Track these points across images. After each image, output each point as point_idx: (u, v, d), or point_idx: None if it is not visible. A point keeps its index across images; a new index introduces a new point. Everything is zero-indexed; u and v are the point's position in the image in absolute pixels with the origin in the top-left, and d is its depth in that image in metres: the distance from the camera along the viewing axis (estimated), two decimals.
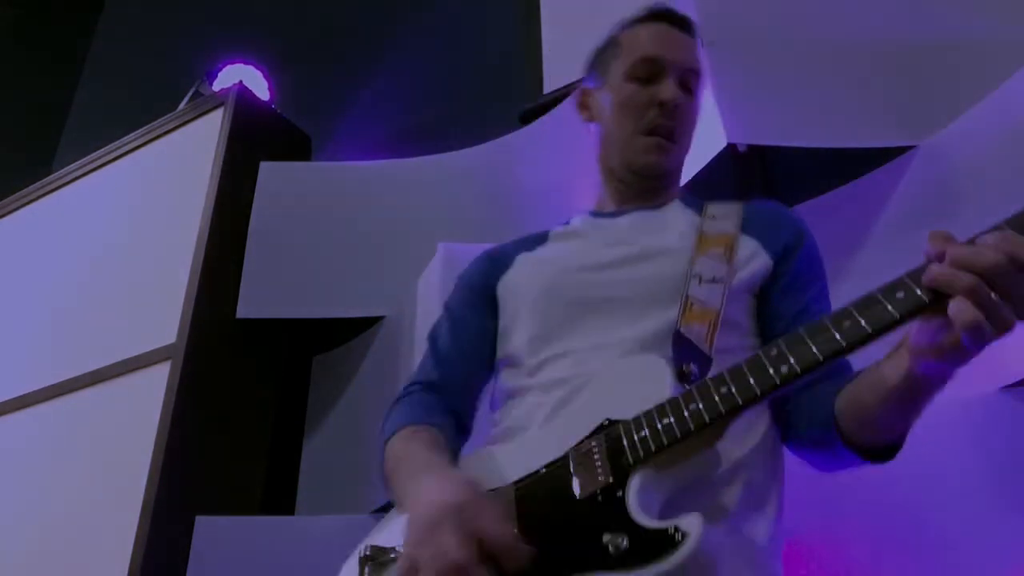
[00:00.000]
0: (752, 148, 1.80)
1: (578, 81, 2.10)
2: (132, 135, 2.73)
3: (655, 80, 1.13)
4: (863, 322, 0.73)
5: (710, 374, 0.87)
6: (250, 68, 2.82)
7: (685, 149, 1.17)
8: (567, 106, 2.10)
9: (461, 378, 1.11)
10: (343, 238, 2.29)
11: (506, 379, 1.07)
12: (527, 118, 2.26)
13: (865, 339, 0.73)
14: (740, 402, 0.77)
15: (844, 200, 1.66)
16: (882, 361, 0.82)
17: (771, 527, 0.92)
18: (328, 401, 2.30)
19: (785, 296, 1.03)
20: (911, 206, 1.56)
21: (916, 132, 1.58)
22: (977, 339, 0.67)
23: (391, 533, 0.93)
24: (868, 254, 1.60)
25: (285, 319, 2.23)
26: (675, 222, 1.10)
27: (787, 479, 1.28)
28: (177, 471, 1.96)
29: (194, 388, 2.07)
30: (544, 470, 0.86)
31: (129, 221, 2.55)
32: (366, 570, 0.91)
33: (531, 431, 0.96)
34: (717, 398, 0.78)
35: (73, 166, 2.85)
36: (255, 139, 2.52)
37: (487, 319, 1.12)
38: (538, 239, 1.18)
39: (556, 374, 0.98)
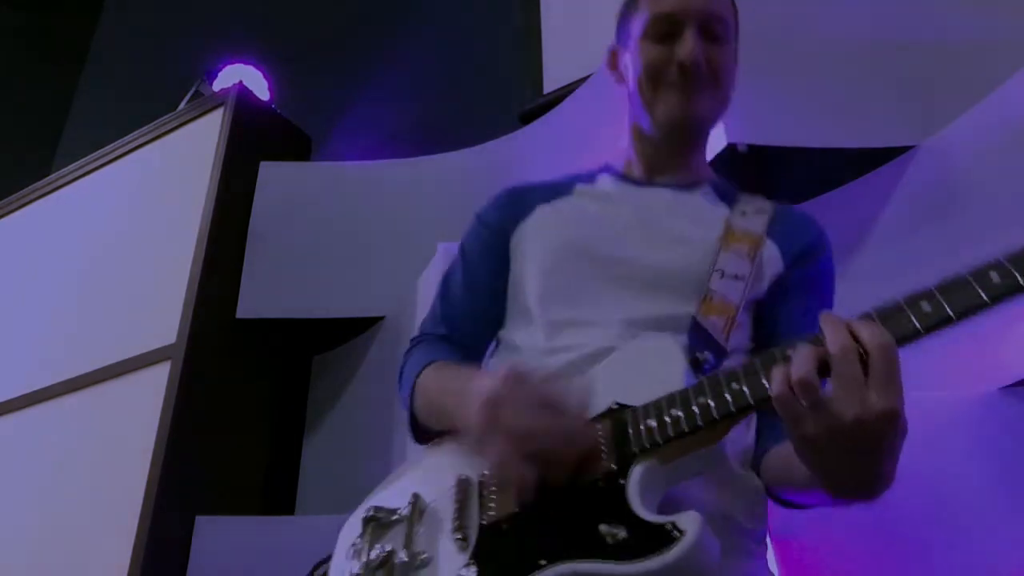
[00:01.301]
0: (752, 148, 1.80)
1: (578, 81, 2.12)
2: (132, 135, 2.73)
3: (674, 36, 1.06)
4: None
5: (723, 366, 0.85)
6: (250, 68, 2.82)
7: (720, 98, 1.10)
8: (567, 106, 2.11)
9: (472, 334, 1.09)
10: (343, 238, 2.29)
11: (514, 333, 1.03)
12: (527, 118, 2.26)
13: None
14: (751, 402, 0.72)
15: (844, 200, 1.66)
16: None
17: (761, 531, 0.91)
18: (328, 401, 2.30)
19: (783, 303, 1.00)
20: (911, 206, 1.56)
21: (916, 132, 1.58)
22: None
23: (393, 493, 0.93)
24: (868, 254, 1.60)
25: (285, 319, 2.23)
26: (704, 212, 1.06)
27: None
28: (177, 471, 1.96)
29: (194, 388, 2.07)
30: None
31: (129, 221, 2.56)
32: (369, 529, 0.89)
33: None
34: (728, 395, 0.73)
35: (73, 166, 2.85)
36: (255, 139, 2.53)
37: (501, 267, 1.08)
38: (561, 189, 1.12)
39: (568, 341, 0.95)
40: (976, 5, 1.68)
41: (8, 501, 2.23)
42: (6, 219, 2.97)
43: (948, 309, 0.66)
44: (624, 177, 1.13)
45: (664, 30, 1.07)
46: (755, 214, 1.04)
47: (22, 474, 2.26)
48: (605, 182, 1.13)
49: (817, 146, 1.62)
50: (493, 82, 2.60)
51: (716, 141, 1.55)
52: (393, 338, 2.13)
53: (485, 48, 2.68)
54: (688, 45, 1.05)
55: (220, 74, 2.81)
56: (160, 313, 2.21)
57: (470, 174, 2.25)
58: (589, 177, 1.14)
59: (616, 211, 1.06)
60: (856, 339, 0.67)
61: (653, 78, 1.07)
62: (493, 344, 1.09)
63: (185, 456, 2.00)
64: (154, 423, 2.02)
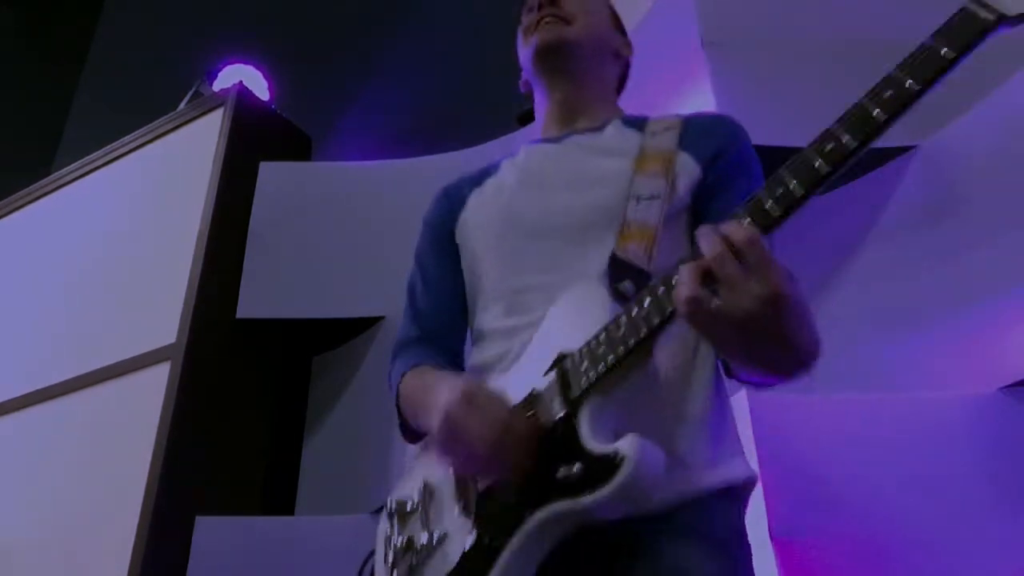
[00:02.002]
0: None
1: None
2: (132, 135, 2.73)
3: None
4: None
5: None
6: (250, 68, 2.82)
7: (584, 28, 1.16)
8: None
9: (443, 332, 1.14)
10: (343, 238, 2.29)
11: (481, 318, 1.08)
12: (527, 118, 2.26)
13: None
14: (658, 323, 0.78)
15: (844, 200, 1.66)
16: None
17: (711, 443, 0.92)
18: (328, 401, 2.30)
19: (712, 202, 1.01)
20: (911, 206, 1.56)
21: (916, 132, 1.58)
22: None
23: (408, 484, 1.01)
24: (868, 254, 1.60)
25: (285, 319, 2.23)
26: (616, 143, 1.08)
27: (783, 476, 1.28)
28: (177, 471, 1.96)
29: (194, 388, 2.08)
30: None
31: (129, 221, 2.56)
32: (395, 522, 0.98)
33: (496, 374, 0.99)
34: (640, 321, 0.80)
35: (73, 166, 2.85)
36: (255, 139, 2.53)
37: (455, 264, 1.13)
38: (488, 171, 1.19)
39: (521, 317, 1.00)
40: None
41: (8, 501, 2.23)
42: (7, 219, 2.97)
43: (798, 189, 0.73)
44: (542, 140, 1.18)
45: (530, 2, 1.18)
46: (665, 131, 1.06)
47: (22, 474, 2.26)
48: (525, 151, 1.18)
49: None
50: (493, 82, 2.60)
51: None
52: (393, 338, 2.13)
53: (485, 48, 2.68)
54: None
55: (220, 74, 2.81)
56: (160, 313, 2.22)
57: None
58: (512, 153, 1.20)
59: (537, 171, 1.11)
60: (728, 241, 0.71)
61: (522, 36, 1.18)
62: (469, 333, 1.13)
63: (185, 456, 2.00)
64: (154, 423, 2.02)
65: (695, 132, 1.06)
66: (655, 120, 1.10)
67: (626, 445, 0.76)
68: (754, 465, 1.30)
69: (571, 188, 1.04)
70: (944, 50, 0.71)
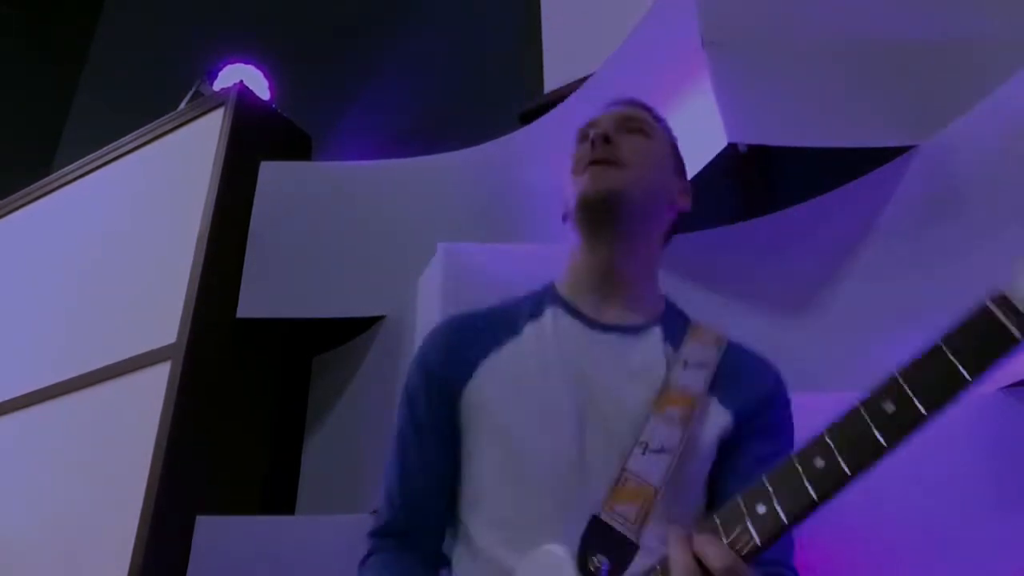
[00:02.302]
0: (752, 148, 1.80)
1: (578, 81, 2.12)
2: (132, 135, 2.73)
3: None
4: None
5: (632, 564, 0.79)
6: (250, 68, 2.82)
7: (638, 179, 1.05)
8: (567, 106, 2.11)
9: (432, 514, 1.01)
10: (343, 238, 2.29)
11: (473, 521, 0.96)
12: (527, 118, 2.26)
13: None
14: None
15: (844, 200, 1.66)
16: None
17: None
18: (328, 401, 2.30)
19: (737, 458, 0.92)
20: (911, 206, 1.56)
21: (916, 132, 1.58)
22: None
23: None
24: (868, 254, 1.60)
25: (285, 319, 2.23)
26: (644, 365, 0.97)
27: None
28: (177, 471, 1.96)
29: (194, 388, 2.08)
30: None
31: (129, 221, 2.56)
32: None
33: None
34: None
35: (73, 166, 2.85)
36: (255, 139, 2.53)
37: (453, 431, 1.01)
38: (507, 328, 1.04)
39: (506, 537, 0.91)
40: (976, 5, 1.68)
41: (8, 501, 2.23)
42: (7, 219, 2.97)
43: (782, 516, 0.66)
44: (574, 312, 1.05)
45: (586, 132, 1.10)
46: (697, 367, 0.95)
47: (22, 474, 2.26)
48: (550, 318, 1.04)
49: (817, 146, 1.62)
50: (493, 82, 2.60)
51: (716, 141, 1.55)
52: (393, 338, 2.13)
53: (485, 48, 2.68)
54: (601, 123, 1.10)
55: (220, 74, 2.81)
56: (160, 313, 2.22)
57: (470, 174, 2.25)
58: (536, 305, 1.07)
59: (560, 370, 0.97)
60: (701, 560, 0.67)
61: (574, 168, 1.08)
62: (453, 527, 1.02)
63: (185, 456, 2.00)
64: (154, 423, 2.02)
65: (733, 376, 0.97)
66: (693, 339, 1.00)
67: None
68: None
69: (587, 417, 0.93)
70: (962, 370, 0.57)
